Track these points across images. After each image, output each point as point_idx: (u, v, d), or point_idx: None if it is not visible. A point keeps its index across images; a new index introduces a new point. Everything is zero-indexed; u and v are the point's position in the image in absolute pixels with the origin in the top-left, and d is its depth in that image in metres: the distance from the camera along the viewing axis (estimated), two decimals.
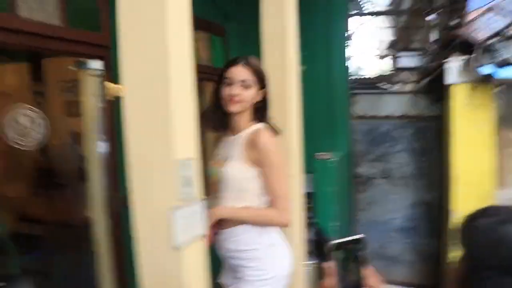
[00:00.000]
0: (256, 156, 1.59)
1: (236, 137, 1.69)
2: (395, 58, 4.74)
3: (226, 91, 1.61)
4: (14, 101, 3.02)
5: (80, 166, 2.94)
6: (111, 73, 2.56)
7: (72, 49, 2.29)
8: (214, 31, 3.97)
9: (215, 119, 1.71)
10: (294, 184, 2.00)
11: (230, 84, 1.61)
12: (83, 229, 3.10)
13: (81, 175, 3.02)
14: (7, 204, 3.33)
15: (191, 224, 1.14)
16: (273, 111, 1.87)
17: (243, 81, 1.60)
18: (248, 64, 1.62)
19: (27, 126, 2.63)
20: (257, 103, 1.69)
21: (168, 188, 1.09)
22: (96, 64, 2.51)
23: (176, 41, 1.10)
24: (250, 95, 1.63)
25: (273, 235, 1.70)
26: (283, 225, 1.71)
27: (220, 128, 1.74)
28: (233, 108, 1.62)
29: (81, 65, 2.45)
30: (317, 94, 3.85)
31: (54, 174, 3.23)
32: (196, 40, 3.70)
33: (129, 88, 1.12)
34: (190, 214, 1.14)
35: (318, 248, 3.13)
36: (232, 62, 1.63)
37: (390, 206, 4.71)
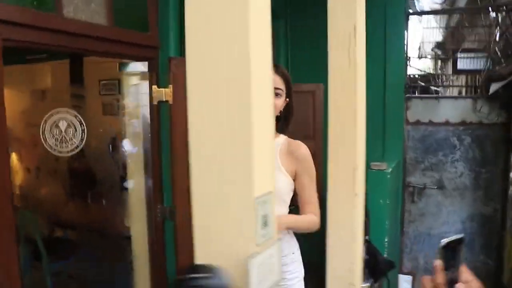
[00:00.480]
0: (294, 167, 1.60)
1: None
2: (452, 60, 4.38)
3: None
4: (54, 102, 2.90)
5: (121, 173, 2.80)
6: (158, 76, 2.39)
7: (118, 50, 2.12)
8: None
9: None
10: (357, 203, 1.74)
11: None
12: (120, 239, 2.96)
13: (121, 183, 2.89)
14: (42, 209, 3.24)
15: (268, 271, 0.92)
16: (338, 120, 1.63)
17: (275, 89, 1.54)
18: (279, 72, 1.58)
19: (67, 131, 2.48)
20: (280, 112, 1.67)
21: (244, 233, 0.87)
22: (142, 66, 2.34)
23: (258, 50, 0.87)
24: (280, 104, 1.61)
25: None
26: (318, 229, 1.73)
27: None
28: None
29: (125, 67, 2.28)
30: (370, 98, 3.55)
31: (92, 181, 3.10)
32: None
33: (196, 106, 0.89)
34: (267, 260, 0.92)
35: (371, 268, 2.87)
36: None
37: (443, 219, 4.37)
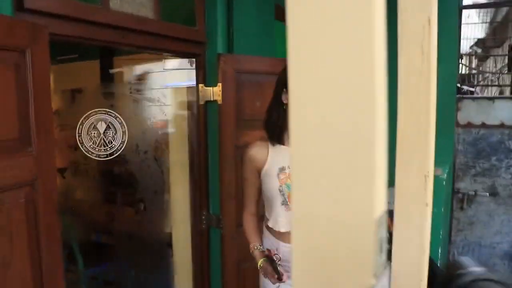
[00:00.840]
0: None
1: None
2: (494, 58, 4.08)
3: None
4: (91, 103, 2.78)
5: (163, 178, 2.67)
6: (205, 73, 2.23)
7: (165, 45, 1.98)
8: None
9: (277, 128, 1.53)
10: (428, 214, 1.51)
11: None
12: (161, 246, 2.83)
13: (162, 188, 2.75)
14: (80, 213, 3.13)
15: None
16: (411, 123, 1.43)
17: None
18: None
19: (106, 133, 2.33)
20: None
21: (360, 261, 0.68)
22: (188, 63, 2.19)
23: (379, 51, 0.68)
24: None
25: None
26: None
27: (279, 138, 1.54)
28: None
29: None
30: None
31: (132, 185, 2.97)
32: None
33: (302, 111, 0.71)
34: None
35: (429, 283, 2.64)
36: None
37: (496, 228, 4.08)
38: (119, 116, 2.24)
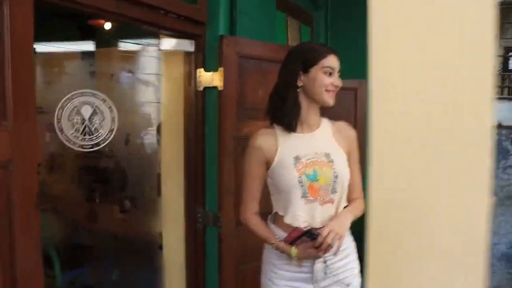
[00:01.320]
0: (347, 148, 1.47)
1: (317, 133, 1.46)
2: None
3: (328, 80, 1.39)
4: (73, 86, 2.45)
5: (153, 171, 2.44)
6: (204, 57, 2.04)
7: (161, 21, 1.77)
8: (302, 18, 3.40)
9: (292, 114, 1.41)
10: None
11: (331, 73, 1.40)
12: (150, 247, 2.60)
13: (152, 183, 2.53)
14: (57, 211, 2.86)
15: None
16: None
17: (339, 71, 1.44)
18: (338, 55, 1.45)
19: (92, 119, 2.06)
20: None
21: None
22: (187, 45, 1.99)
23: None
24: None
25: None
26: None
27: (291, 125, 1.42)
28: (332, 100, 1.41)
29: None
30: None
31: (118, 180, 2.72)
32: (289, 27, 3.16)
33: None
34: None
35: None
36: (329, 50, 1.44)
37: (493, 229, 3.99)
38: (108, 100, 1.98)
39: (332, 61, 1.39)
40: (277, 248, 1.38)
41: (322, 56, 1.39)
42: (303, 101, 1.41)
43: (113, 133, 2.04)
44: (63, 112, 1.93)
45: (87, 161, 2.82)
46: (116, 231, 2.69)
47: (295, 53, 1.44)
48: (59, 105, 1.92)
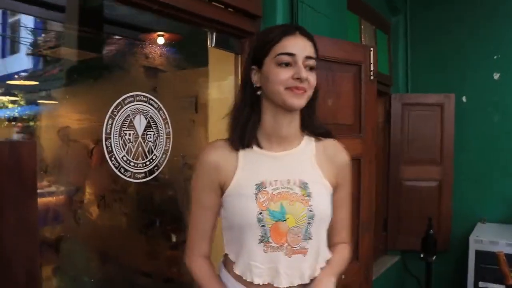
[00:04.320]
0: (335, 177, 1.08)
1: (294, 152, 1.06)
2: None
3: (284, 74, 0.96)
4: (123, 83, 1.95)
5: None
6: None
7: (205, 11, 1.43)
8: (378, 23, 2.94)
9: (246, 124, 1.03)
10: None
11: (289, 63, 0.97)
12: None
13: None
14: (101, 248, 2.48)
15: None
16: None
17: (308, 58, 0.98)
18: (308, 35, 1.01)
19: (144, 135, 1.54)
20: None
21: None
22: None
23: None
24: (315, 81, 1.01)
25: None
26: None
27: (245, 137, 1.03)
28: (297, 101, 0.98)
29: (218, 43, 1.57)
30: None
31: (172, 215, 2.28)
32: (363, 32, 2.72)
33: None
34: None
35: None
36: (287, 30, 1.00)
37: None
38: (163, 108, 1.50)
39: (290, 45, 0.98)
40: None
41: (274, 41, 0.98)
42: (267, 106, 1.02)
43: (168, 155, 1.59)
44: (113, 124, 1.40)
45: (143, 195, 2.27)
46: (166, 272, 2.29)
47: (252, 44, 1.09)
48: (109, 111, 1.38)
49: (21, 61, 1.70)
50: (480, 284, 2.62)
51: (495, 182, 3.02)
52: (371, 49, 1.90)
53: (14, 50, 1.72)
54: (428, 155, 3.15)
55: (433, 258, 2.46)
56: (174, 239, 2.12)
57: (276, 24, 1.66)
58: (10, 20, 1.64)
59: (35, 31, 1.67)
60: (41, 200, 1.38)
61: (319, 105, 1.74)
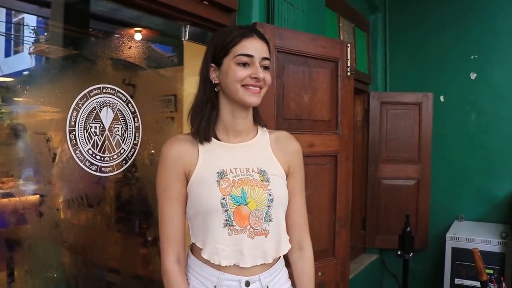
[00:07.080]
0: (287, 162, 1.19)
1: (251, 143, 1.16)
2: None
3: (242, 73, 1.06)
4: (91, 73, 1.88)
5: None
6: None
7: (188, 8, 1.39)
8: (357, 21, 2.94)
9: (206, 119, 1.12)
10: None
11: (247, 63, 1.07)
12: None
13: None
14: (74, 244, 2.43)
15: None
16: None
17: (264, 59, 1.09)
18: (263, 37, 1.11)
19: (111, 129, 1.50)
20: None
21: None
22: None
23: None
24: (270, 80, 1.13)
25: None
26: None
27: (205, 131, 1.12)
28: (254, 99, 1.09)
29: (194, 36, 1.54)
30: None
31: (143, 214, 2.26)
32: (341, 30, 2.72)
33: None
34: None
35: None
36: (246, 32, 1.08)
37: None
38: (132, 101, 1.49)
39: (249, 46, 1.08)
40: None
41: (234, 42, 1.07)
42: (225, 102, 1.12)
43: (137, 149, 1.57)
44: (78, 116, 1.37)
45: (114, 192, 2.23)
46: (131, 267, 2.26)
47: (209, 42, 1.15)
48: (73, 103, 1.35)
49: None
50: (457, 281, 2.64)
51: (473, 180, 3.05)
52: (348, 45, 1.89)
53: None
54: (406, 153, 3.16)
55: (410, 255, 2.46)
56: (144, 235, 2.08)
57: (252, 17, 1.64)
58: None
59: None
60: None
61: (295, 100, 1.73)
